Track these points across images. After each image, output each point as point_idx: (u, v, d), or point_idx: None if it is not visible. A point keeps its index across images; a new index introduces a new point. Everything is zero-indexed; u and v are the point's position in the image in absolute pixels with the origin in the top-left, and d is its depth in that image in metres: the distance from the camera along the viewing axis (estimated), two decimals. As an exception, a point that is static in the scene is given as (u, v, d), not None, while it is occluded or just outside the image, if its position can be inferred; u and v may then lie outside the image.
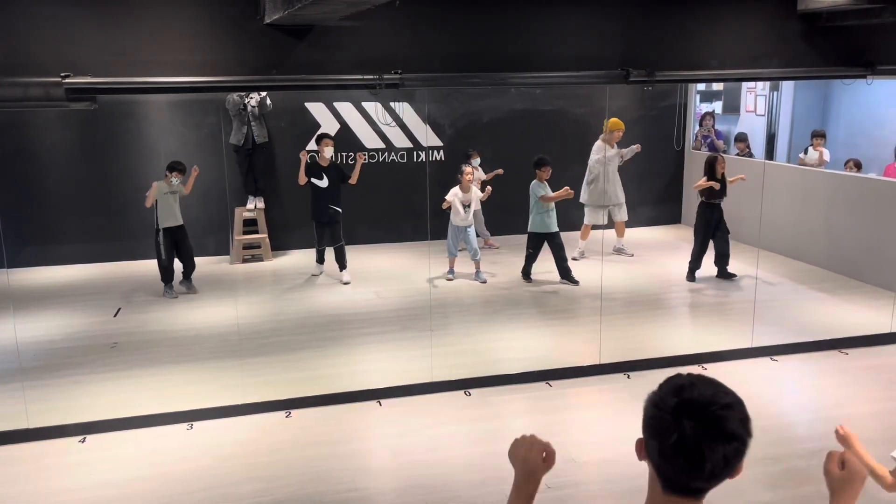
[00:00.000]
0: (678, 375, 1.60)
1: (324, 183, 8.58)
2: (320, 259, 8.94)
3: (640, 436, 1.62)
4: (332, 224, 8.67)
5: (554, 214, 8.38)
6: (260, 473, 4.65)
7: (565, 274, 8.43)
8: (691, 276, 8.51)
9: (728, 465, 1.54)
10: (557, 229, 8.41)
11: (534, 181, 8.38)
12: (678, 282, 8.58)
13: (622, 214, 9.70)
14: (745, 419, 1.57)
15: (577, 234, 9.57)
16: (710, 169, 8.40)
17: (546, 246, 8.47)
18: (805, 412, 5.47)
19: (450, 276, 8.66)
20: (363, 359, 6.39)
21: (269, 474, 4.64)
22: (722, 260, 8.53)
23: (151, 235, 8.22)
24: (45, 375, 6.10)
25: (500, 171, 9.84)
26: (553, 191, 8.32)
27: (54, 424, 5.17)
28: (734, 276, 8.51)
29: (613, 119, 9.41)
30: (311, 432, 5.18)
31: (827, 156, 9.70)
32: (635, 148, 9.57)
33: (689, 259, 8.58)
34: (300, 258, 9.73)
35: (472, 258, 8.63)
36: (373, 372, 6.05)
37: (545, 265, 8.59)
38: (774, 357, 6.36)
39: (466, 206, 8.52)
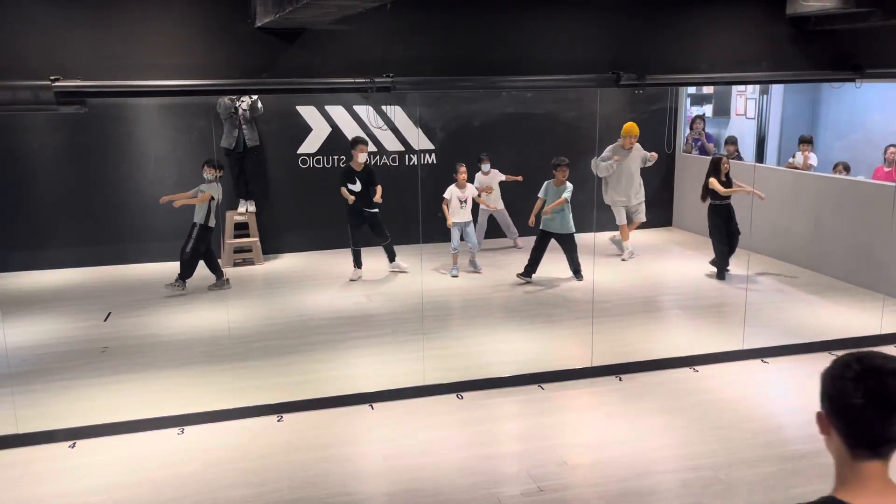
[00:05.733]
0: (847, 354, 1.66)
1: (357, 187, 8.69)
2: (357, 263, 8.96)
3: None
4: (373, 225, 8.85)
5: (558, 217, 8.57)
6: (251, 478, 4.63)
7: (572, 268, 8.76)
8: (722, 275, 8.65)
9: None
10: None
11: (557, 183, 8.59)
12: (669, 284, 8.61)
13: (640, 216, 9.93)
14: None
15: (608, 234, 9.95)
16: (716, 169, 8.48)
17: (548, 246, 8.70)
18: (796, 414, 5.48)
19: (454, 274, 8.95)
20: (355, 362, 6.38)
21: (260, 479, 4.62)
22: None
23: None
24: (35, 380, 6.06)
25: (520, 178, 9.92)
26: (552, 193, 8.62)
27: (44, 430, 5.14)
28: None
29: (628, 123, 9.75)
30: (302, 436, 5.17)
31: (813, 160, 9.75)
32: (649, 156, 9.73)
33: (711, 261, 8.77)
34: (291, 262, 9.72)
35: (471, 251, 9.08)
36: (364, 375, 6.04)
37: (542, 267, 8.63)
38: (765, 359, 6.38)
39: (463, 202, 8.93)
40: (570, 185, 8.48)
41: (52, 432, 5.13)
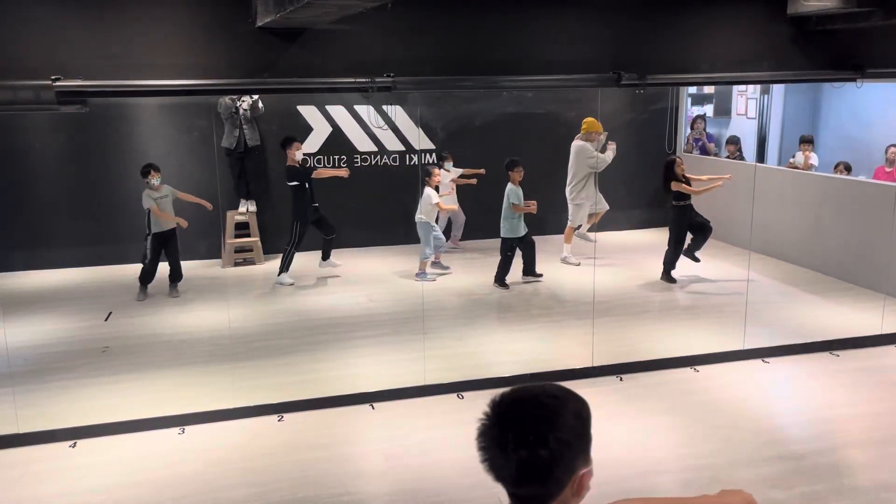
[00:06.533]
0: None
1: (305, 184, 8.67)
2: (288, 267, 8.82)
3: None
4: (321, 219, 8.80)
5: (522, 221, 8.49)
6: (252, 478, 4.63)
7: (531, 270, 8.58)
8: (670, 277, 8.56)
9: (536, 464, 1.36)
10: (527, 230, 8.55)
11: (510, 185, 8.42)
12: (670, 284, 8.60)
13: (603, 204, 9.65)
14: (578, 415, 1.41)
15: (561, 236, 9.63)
16: (671, 172, 8.42)
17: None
18: (796, 414, 5.49)
19: (447, 271, 8.92)
20: (355, 362, 6.38)
21: (261, 479, 4.62)
22: (695, 247, 8.65)
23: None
24: (36, 380, 6.06)
25: (483, 171, 9.78)
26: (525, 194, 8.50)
27: (44, 429, 5.14)
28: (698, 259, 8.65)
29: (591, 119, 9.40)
30: (303, 436, 5.17)
31: (814, 160, 9.74)
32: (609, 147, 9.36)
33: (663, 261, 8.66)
34: (292, 261, 9.70)
35: (437, 250, 9.00)
36: (365, 375, 6.04)
37: (542, 267, 8.62)
38: (766, 359, 6.38)
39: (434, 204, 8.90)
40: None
41: (53, 432, 5.13)
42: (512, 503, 1.44)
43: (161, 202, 8.08)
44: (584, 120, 9.38)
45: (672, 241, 8.57)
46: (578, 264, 9.23)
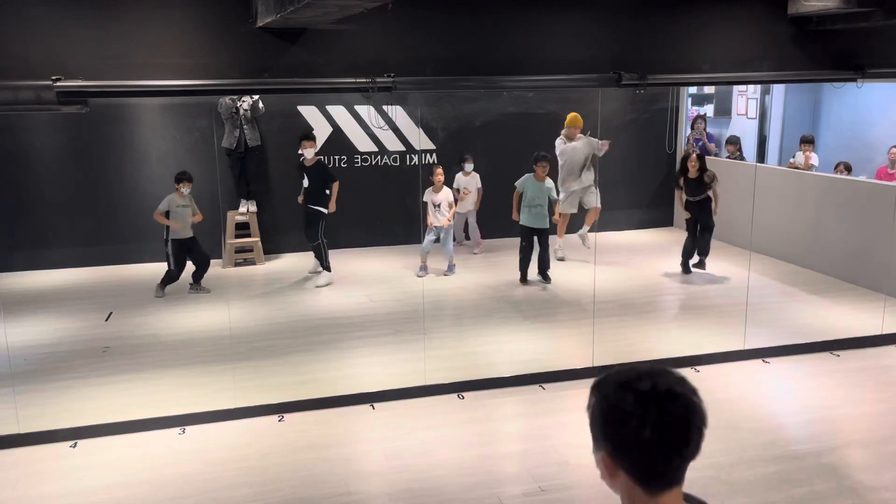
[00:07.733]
0: (610, 377, 1.49)
1: (305, 183, 8.68)
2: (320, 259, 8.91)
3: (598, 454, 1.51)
4: (308, 223, 8.74)
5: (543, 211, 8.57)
6: (252, 478, 4.64)
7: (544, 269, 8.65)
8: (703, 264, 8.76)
9: (699, 442, 1.49)
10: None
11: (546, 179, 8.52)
12: (670, 284, 8.60)
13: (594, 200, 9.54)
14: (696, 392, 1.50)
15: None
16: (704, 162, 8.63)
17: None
18: (797, 414, 5.49)
19: (421, 274, 8.83)
20: (356, 362, 6.38)
21: (261, 479, 4.62)
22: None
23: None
24: (36, 380, 6.07)
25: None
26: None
27: (45, 429, 5.14)
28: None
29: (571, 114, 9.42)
30: (303, 436, 5.17)
31: (815, 160, 9.74)
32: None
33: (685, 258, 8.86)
34: (293, 262, 9.72)
35: (445, 256, 8.95)
36: (366, 375, 6.05)
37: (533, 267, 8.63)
38: (766, 359, 6.38)
39: (437, 205, 8.78)
40: (551, 182, 8.55)
41: (54, 432, 5.14)
42: (663, 485, 1.53)
43: (179, 210, 8.13)
44: (570, 115, 9.36)
45: (710, 228, 8.64)
46: (563, 259, 9.33)
